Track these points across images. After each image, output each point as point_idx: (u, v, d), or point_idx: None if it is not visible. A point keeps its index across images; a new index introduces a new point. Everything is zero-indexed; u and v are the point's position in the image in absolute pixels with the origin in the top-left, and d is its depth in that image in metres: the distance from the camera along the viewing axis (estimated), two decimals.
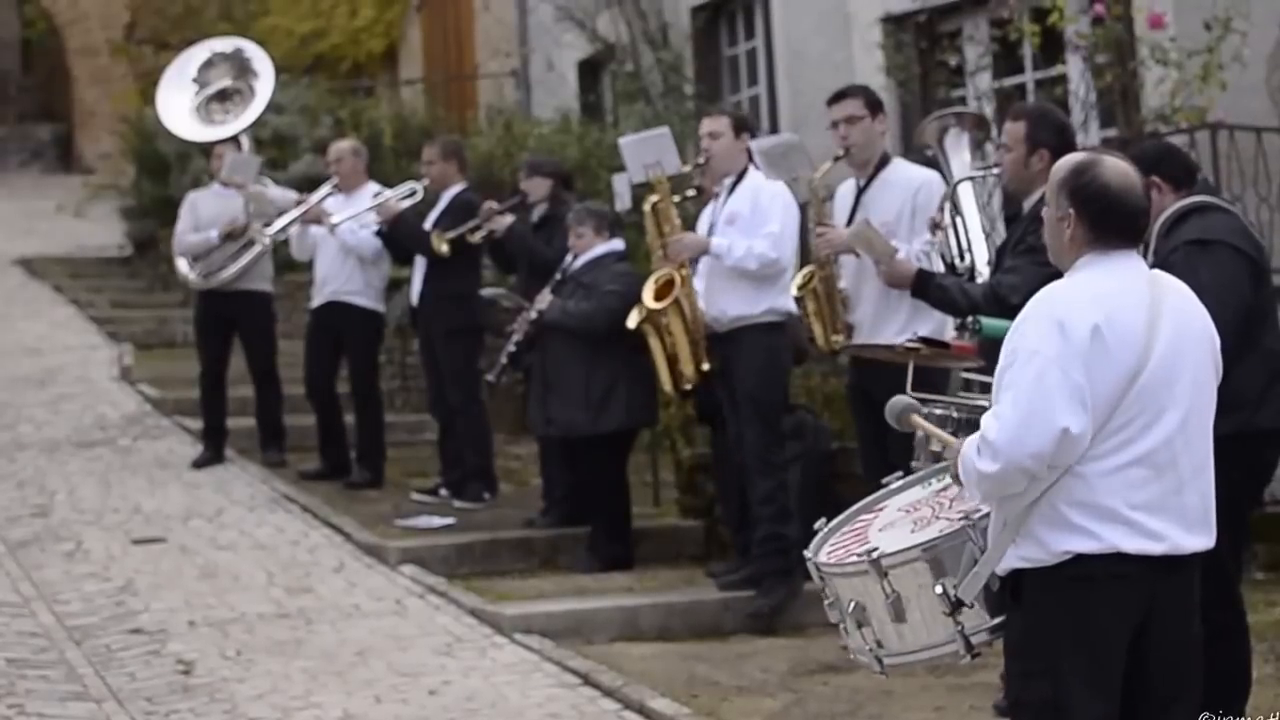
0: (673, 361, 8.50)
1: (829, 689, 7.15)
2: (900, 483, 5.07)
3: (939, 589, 4.40)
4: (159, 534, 9.80)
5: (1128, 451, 4.14)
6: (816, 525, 5.00)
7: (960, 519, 4.45)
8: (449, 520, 9.87)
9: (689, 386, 8.50)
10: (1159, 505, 4.16)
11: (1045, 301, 4.22)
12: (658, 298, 8.47)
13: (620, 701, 6.99)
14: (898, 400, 4.68)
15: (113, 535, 9.79)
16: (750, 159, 8.25)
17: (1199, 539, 4.22)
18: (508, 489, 10.72)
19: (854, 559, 4.68)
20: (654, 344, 8.54)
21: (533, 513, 9.91)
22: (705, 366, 8.43)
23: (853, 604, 4.63)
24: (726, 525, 9.14)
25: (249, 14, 21.02)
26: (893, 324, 7.37)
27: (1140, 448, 4.15)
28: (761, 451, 8.24)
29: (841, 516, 5.01)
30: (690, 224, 8.61)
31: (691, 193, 9.30)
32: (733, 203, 8.32)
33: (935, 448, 5.36)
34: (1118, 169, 4.29)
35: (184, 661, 7.66)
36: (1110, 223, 4.26)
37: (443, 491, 10.37)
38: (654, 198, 8.48)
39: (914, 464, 5.79)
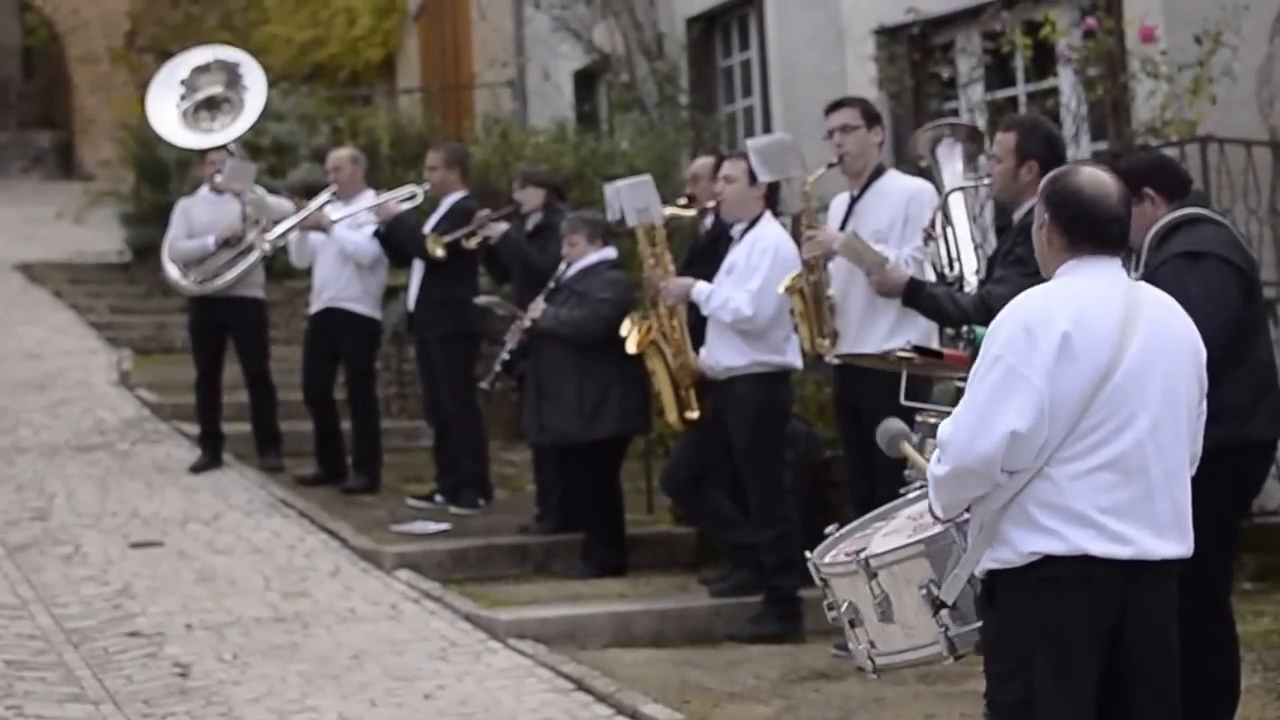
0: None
1: (820, 696, 7.19)
2: (915, 493, 5.12)
3: (923, 590, 4.46)
4: (157, 538, 9.84)
5: (1096, 455, 4.17)
6: (828, 530, 5.07)
7: (947, 522, 4.50)
8: (444, 526, 9.92)
9: (693, 415, 8.58)
10: (1128, 510, 4.18)
11: (1018, 307, 4.27)
12: (639, 344, 8.60)
13: (613, 707, 7.02)
14: (889, 425, 4.74)
15: (111, 539, 9.83)
16: (766, 206, 8.30)
17: (1171, 545, 4.25)
18: (502, 495, 10.76)
19: (844, 559, 4.76)
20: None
21: (527, 519, 9.97)
22: (691, 415, 8.50)
23: (846, 604, 4.72)
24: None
25: (249, 22, 21.10)
26: (877, 331, 7.41)
27: (1109, 452, 4.18)
28: (762, 503, 8.29)
29: (856, 523, 5.08)
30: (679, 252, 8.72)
31: (683, 201, 9.40)
32: (735, 252, 8.32)
33: (908, 472, 5.44)
34: (1092, 177, 4.34)
35: (181, 664, 7.69)
36: (1081, 229, 4.30)
37: (438, 497, 10.41)
38: (653, 250, 8.54)
39: (907, 472, 5.86)
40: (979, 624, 4.43)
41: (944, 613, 4.45)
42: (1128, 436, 4.19)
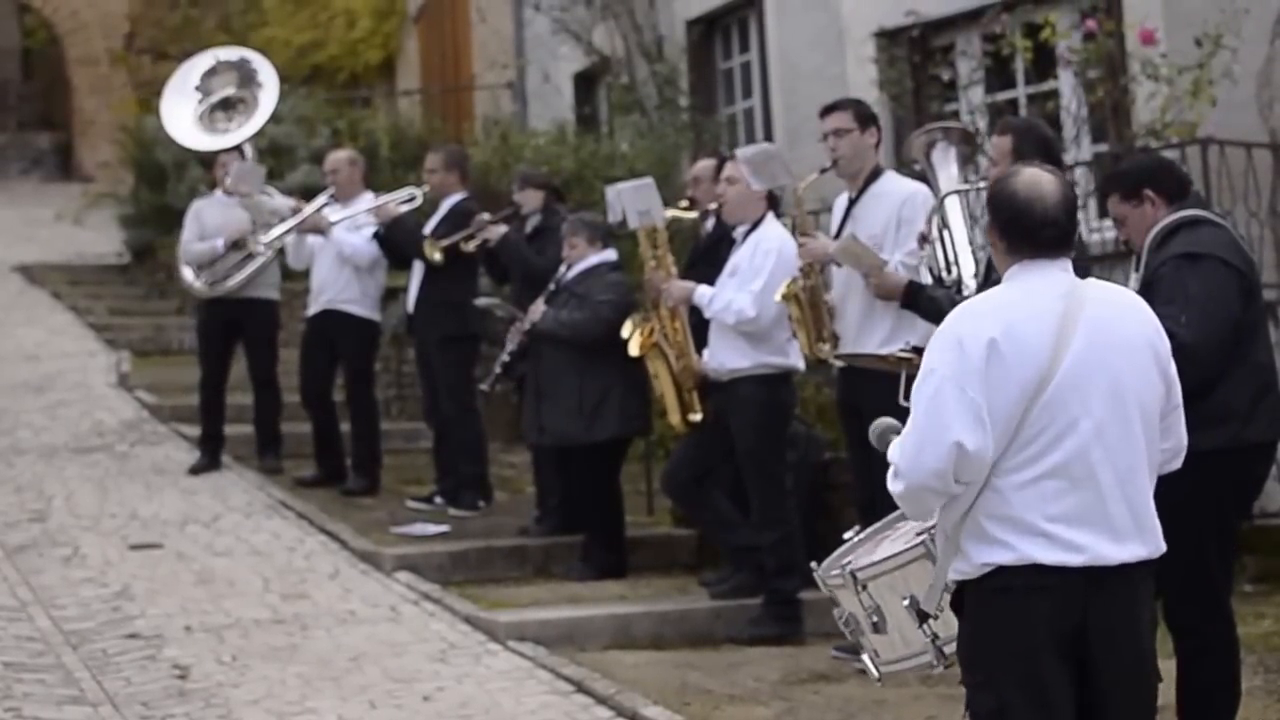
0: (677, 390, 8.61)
1: (821, 698, 7.19)
2: None
3: (906, 601, 4.47)
4: (156, 540, 9.84)
5: (1040, 464, 4.12)
6: (847, 535, 5.07)
7: (919, 535, 4.52)
8: (444, 528, 9.92)
9: (695, 418, 8.58)
10: (1078, 517, 4.12)
11: (952, 318, 4.24)
12: (642, 346, 8.60)
13: (613, 709, 7.01)
14: (880, 423, 4.73)
15: (110, 541, 9.83)
16: (769, 207, 8.30)
17: (1130, 548, 4.17)
18: (502, 497, 10.77)
19: (836, 572, 4.78)
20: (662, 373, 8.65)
21: (527, 521, 9.97)
22: (694, 417, 8.51)
23: (847, 615, 4.75)
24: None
25: (247, 25, 21.12)
26: (876, 335, 7.39)
27: (1052, 460, 4.12)
28: (763, 505, 8.29)
29: (866, 532, 5.07)
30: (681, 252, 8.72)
31: (684, 203, 9.40)
32: (738, 254, 8.31)
33: None
34: (1031, 180, 4.27)
35: (180, 666, 7.69)
36: (1017, 232, 4.24)
37: (438, 499, 10.42)
38: (655, 252, 8.54)
39: None
40: None
41: (930, 622, 4.45)
42: (1070, 443, 4.12)
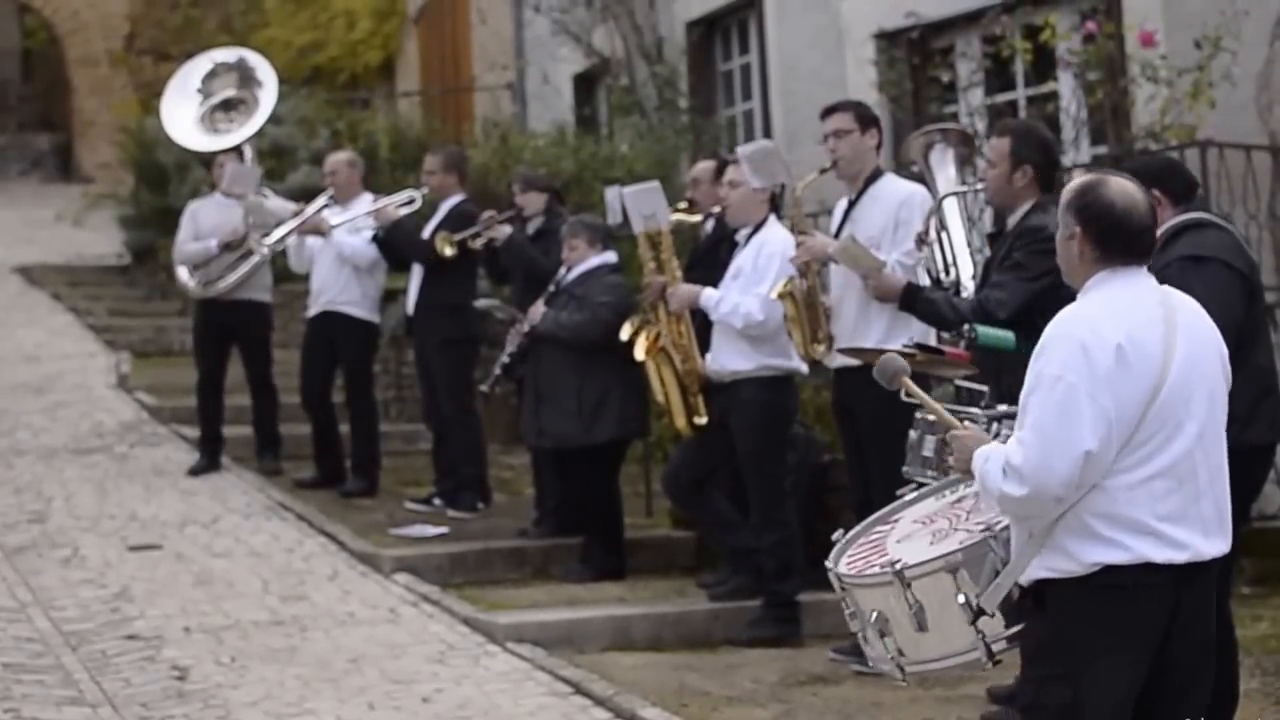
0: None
1: (819, 700, 7.19)
2: (914, 494, 5.14)
3: (961, 599, 4.47)
4: (155, 541, 9.85)
5: (1151, 465, 4.22)
6: (834, 536, 5.06)
7: (981, 531, 4.52)
8: (443, 529, 9.92)
9: (700, 420, 8.58)
10: (1180, 515, 4.25)
11: (1066, 324, 4.28)
12: (647, 350, 8.60)
13: (611, 711, 7.02)
14: (889, 360, 4.73)
15: (109, 542, 9.84)
16: (770, 209, 8.31)
17: (1217, 544, 4.31)
18: (501, 499, 10.77)
19: (877, 570, 4.73)
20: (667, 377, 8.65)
21: (526, 523, 9.97)
22: (699, 420, 8.51)
23: (875, 614, 4.69)
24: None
25: (248, 25, 21.15)
26: (872, 335, 7.39)
27: (1162, 461, 4.23)
28: (763, 507, 8.29)
29: (858, 528, 5.07)
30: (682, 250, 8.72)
31: (684, 205, 9.41)
32: (741, 256, 8.31)
33: (906, 469, 5.40)
34: (1122, 188, 4.36)
35: (179, 667, 7.69)
36: (1115, 241, 4.32)
37: (437, 501, 10.42)
38: (659, 255, 8.54)
39: (905, 469, 5.86)
40: (1014, 629, 4.45)
41: (981, 620, 4.46)
42: (1178, 444, 4.25)
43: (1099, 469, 4.19)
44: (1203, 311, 4.46)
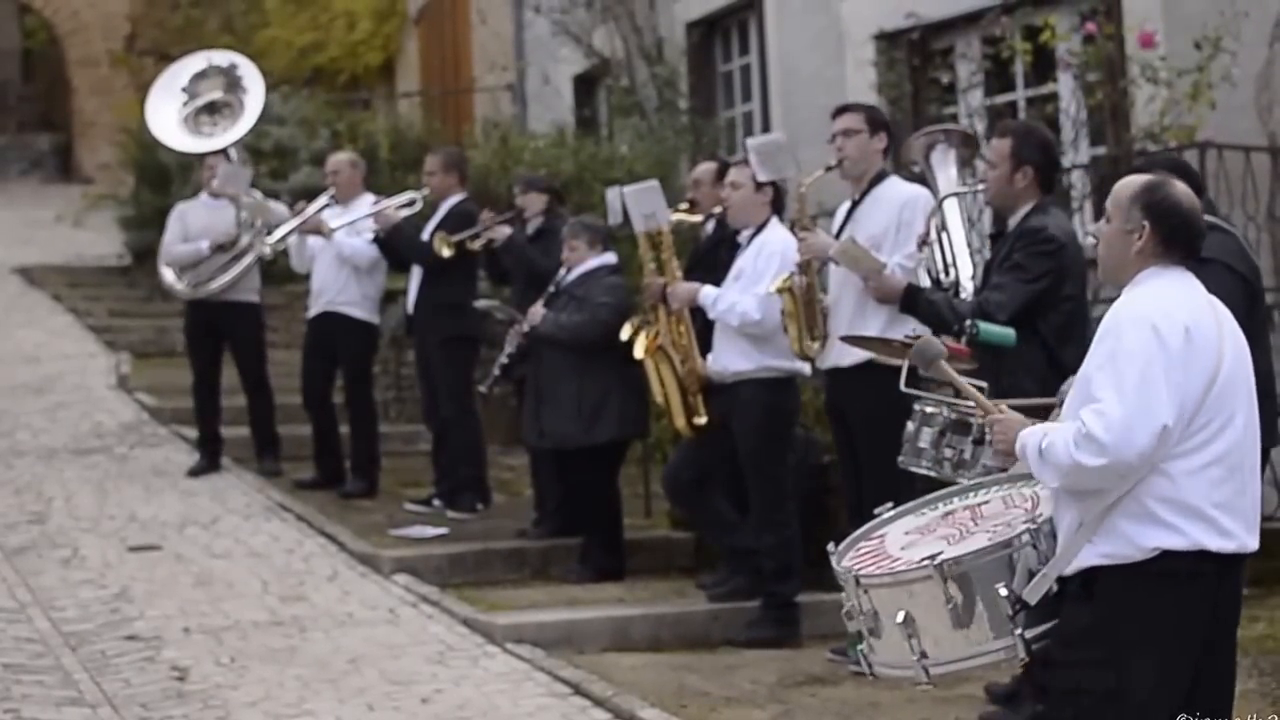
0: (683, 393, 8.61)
1: (817, 701, 7.20)
2: (891, 513, 5.01)
3: (1003, 592, 4.46)
4: (155, 541, 9.85)
5: (1208, 451, 4.32)
6: (829, 548, 4.98)
7: (1024, 524, 4.53)
8: (442, 530, 9.93)
9: (700, 421, 8.58)
10: (1231, 505, 4.35)
11: (1135, 306, 4.38)
12: (647, 350, 8.61)
13: (610, 711, 7.03)
14: (927, 343, 4.75)
15: (109, 542, 9.84)
16: (772, 211, 8.32)
17: (1255, 537, 4.42)
18: (501, 499, 10.78)
19: (913, 566, 4.62)
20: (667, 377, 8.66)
21: (525, 523, 9.97)
22: (698, 420, 8.52)
23: (903, 614, 4.60)
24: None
25: (249, 26, 21.15)
26: (868, 333, 7.39)
27: (1218, 448, 4.33)
28: (763, 507, 8.30)
29: (844, 543, 4.95)
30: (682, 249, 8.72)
31: (684, 206, 9.42)
32: (743, 257, 8.32)
33: (902, 459, 5.35)
34: (1185, 191, 4.51)
35: (179, 668, 7.70)
36: (1180, 239, 4.46)
37: (436, 501, 10.42)
38: (659, 255, 8.55)
39: (900, 459, 5.85)
40: (1048, 625, 4.45)
41: (1019, 614, 4.45)
42: (1230, 433, 4.36)
43: (1168, 446, 4.27)
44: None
